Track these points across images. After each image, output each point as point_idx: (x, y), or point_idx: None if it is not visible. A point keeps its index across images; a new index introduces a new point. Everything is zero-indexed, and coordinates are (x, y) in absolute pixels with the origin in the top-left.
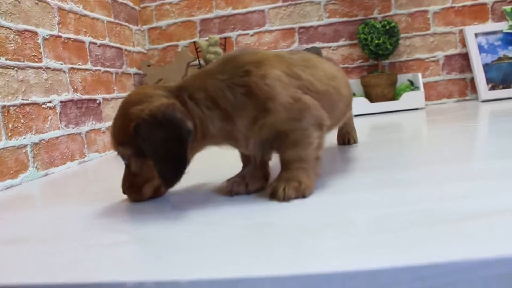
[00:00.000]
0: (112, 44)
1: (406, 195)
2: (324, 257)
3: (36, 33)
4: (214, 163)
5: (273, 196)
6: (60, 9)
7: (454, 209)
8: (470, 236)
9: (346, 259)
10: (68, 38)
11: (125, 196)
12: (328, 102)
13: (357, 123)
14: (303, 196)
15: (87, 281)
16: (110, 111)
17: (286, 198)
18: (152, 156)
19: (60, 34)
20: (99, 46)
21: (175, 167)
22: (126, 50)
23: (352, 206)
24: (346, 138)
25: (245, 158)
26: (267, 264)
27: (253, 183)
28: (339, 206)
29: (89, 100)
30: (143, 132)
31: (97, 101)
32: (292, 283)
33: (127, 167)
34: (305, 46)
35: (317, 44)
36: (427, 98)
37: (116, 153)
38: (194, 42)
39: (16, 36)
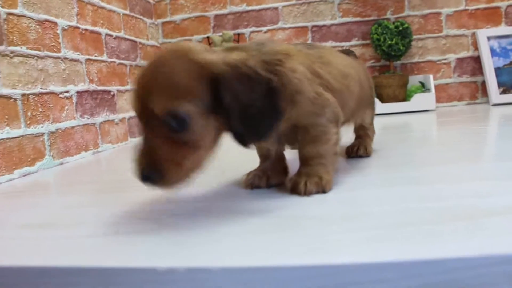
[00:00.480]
0: (127, 36)
1: (421, 192)
2: (345, 249)
3: (56, 24)
4: (230, 157)
5: (294, 190)
6: (79, 0)
7: (469, 206)
8: (489, 232)
9: (367, 252)
10: (86, 30)
11: (141, 187)
12: (340, 100)
13: None
14: (323, 191)
15: (118, 266)
16: (124, 103)
17: (307, 193)
18: (244, 109)
19: (78, 25)
20: (114, 38)
21: (271, 121)
22: (140, 43)
23: (369, 202)
24: (356, 148)
25: (262, 152)
26: (289, 254)
27: (274, 177)
28: (357, 201)
29: (104, 91)
30: (235, 82)
31: (111, 93)
32: (311, 272)
33: (156, 136)
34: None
35: (330, 43)
36: (438, 100)
37: (163, 113)
38: (208, 37)
39: (37, 26)
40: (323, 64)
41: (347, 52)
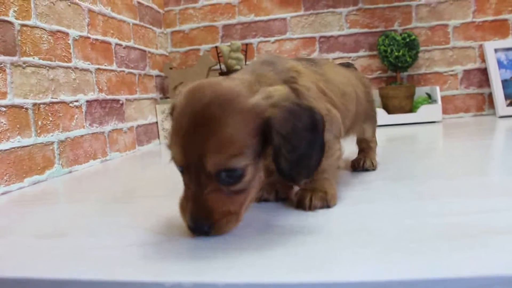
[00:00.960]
0: (136, 46)
1: (425, 207)
2: (351, 266)
3: (67, 34)
4: None
5: (300, 205)
6: (90, 11)
7: (475, 223)
8: (495, 252)
9: (373, 270)
10: (96, 39)
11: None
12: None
13: None
14: (328, 206)
15: (126, 280)
16: (132, 112)
17: (312, 208)
18: (294, 148)
19: (89, 35)
20: (124, 48)
21: (319, 155)
22: (149, 52)
23: (373, 217)
24: (361, 162)
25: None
26: (293, 271)
27: (282, 191)
28: (361, 216)
29: (113, 100)
30: (284, 123)
31: (120, 102)
32: None
33: (204, 188)
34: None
35: (337, 54)
36: (444, 111)
37: (217, 170)
38: (216, 47)
39: (49, 37)
40: (326, 82)
41: (347, 65)
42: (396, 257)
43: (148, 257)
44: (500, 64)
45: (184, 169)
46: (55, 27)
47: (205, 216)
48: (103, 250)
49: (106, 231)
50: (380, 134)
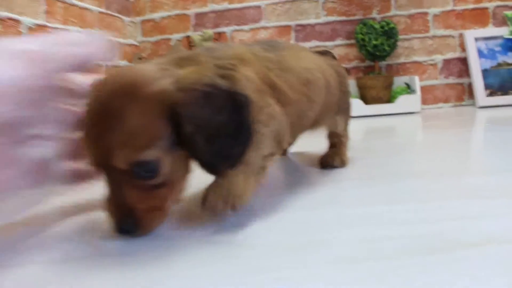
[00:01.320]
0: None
1: (394, 214)
2: None
3: (18, 21)
4: None
5: (204, 206)
6: None
7: (450, 234)
8: (466, 267)
9: None
10: (56, 28)
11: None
12: (296, 112)
13: (351, 125)
14: (233, 207)
15: None
16: None
17: (215, 211)
18: (212, 137)
19: (46, 23)
20: None
21: (244, 143)
22: (117, 42)
23: (330, 226)
24: (330, 158)
25: None
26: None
27: None
28: (317, 225)
29: None
30: (196, 109)
31: None
32: None
33: (128, 184)
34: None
35: (314, 43)
36: (424, 101)
37: (127, 166)
38: (188, 36)
39: None
40: (281, 70)
41: (324, 52)
42: (347, 279)
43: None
44: (480, 53)
45: (99, 169)
46: (4, 14)
47: (126, 215)
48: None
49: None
50: (357, 126)
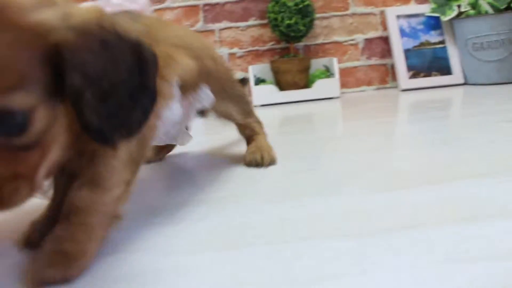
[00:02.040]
0: None
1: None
2: None
3: None
4: None
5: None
6: None
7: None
8: None
9: None
10: None
11: None
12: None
13: (262, 115)
14: (64, 278)
15: None
16: None
17: (41, 281)
18: (108, 95)
19: None
20: None
21: (147, 108)
22: None
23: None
24: (254, 156)
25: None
26: None
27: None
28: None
29: None
30: (90, 56)
31: None
32: None
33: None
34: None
35: (224, 24)
36: (345, 85)
37: None
38: None
39: None
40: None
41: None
42: None
43: None
44: (402, 32)
45: None
46: None
47: None
48: None
49: None
50: (267, 115)
